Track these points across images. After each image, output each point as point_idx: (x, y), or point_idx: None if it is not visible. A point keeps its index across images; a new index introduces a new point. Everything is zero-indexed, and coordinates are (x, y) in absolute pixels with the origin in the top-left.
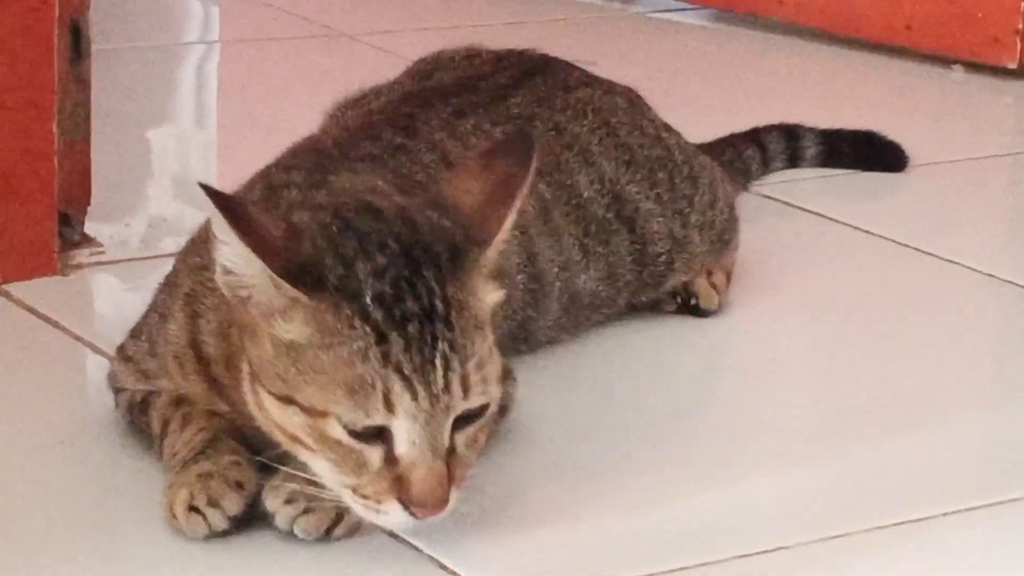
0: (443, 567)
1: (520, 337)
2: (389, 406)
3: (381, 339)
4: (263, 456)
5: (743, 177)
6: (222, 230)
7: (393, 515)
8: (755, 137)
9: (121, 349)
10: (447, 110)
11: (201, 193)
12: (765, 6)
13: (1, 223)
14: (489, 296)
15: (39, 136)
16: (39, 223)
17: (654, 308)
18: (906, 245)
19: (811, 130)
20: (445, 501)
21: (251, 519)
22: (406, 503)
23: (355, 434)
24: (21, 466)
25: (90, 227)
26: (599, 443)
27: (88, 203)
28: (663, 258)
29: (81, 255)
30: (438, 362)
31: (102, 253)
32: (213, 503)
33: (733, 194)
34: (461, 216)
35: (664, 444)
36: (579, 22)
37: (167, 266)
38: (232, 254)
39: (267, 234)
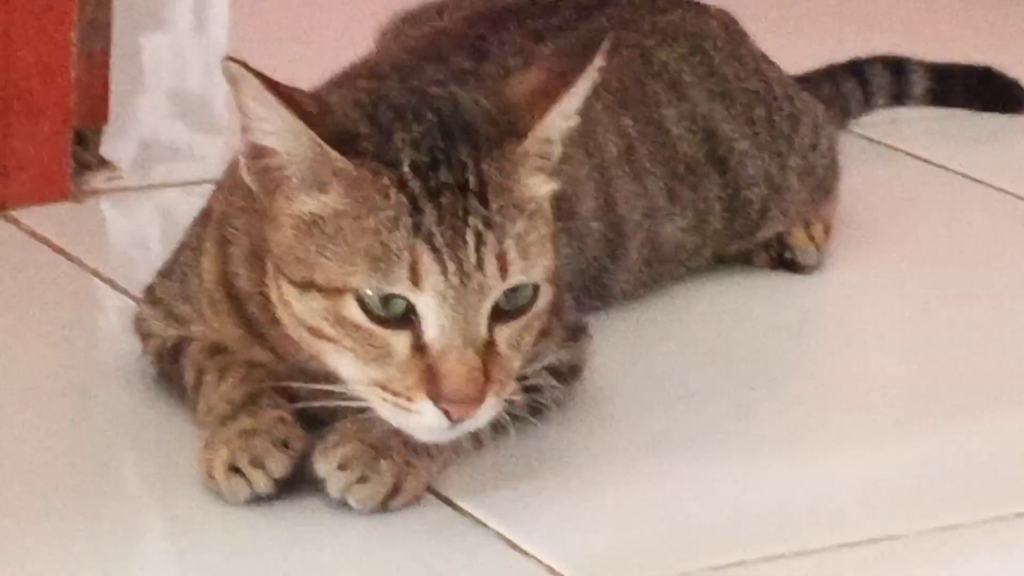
0: (511, 543)
1: (595, 292)
2: (416, 279)
3: (415, 209)
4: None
5: (841, 114)
6: (259, 101)
7: (426, 415)
8: (856, 69)
9: (150, 291)
10: (522, 33)
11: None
12: None
13: (10, 141)
14: (537, 187)
15: (56, 44)
16: (52, 142)
17: (744, 262)
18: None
19: (920, 64)
20: (479, 398)
21: (298, 483)
22: (437, 398)
23: (376, 318)
24: (33, 416)
25: (106, 150)
26: (679, 413)
27: (105, 122)
28: (757, 205)
29: (97, 180)
30: (469, 237)
31: (119, 178)
32: (256, 463)
33: (836, 137)
34: (508, 105)
35: (750, 415)
36: None
37: (191, 195)
38: (275, 129)
39: (306, 104)
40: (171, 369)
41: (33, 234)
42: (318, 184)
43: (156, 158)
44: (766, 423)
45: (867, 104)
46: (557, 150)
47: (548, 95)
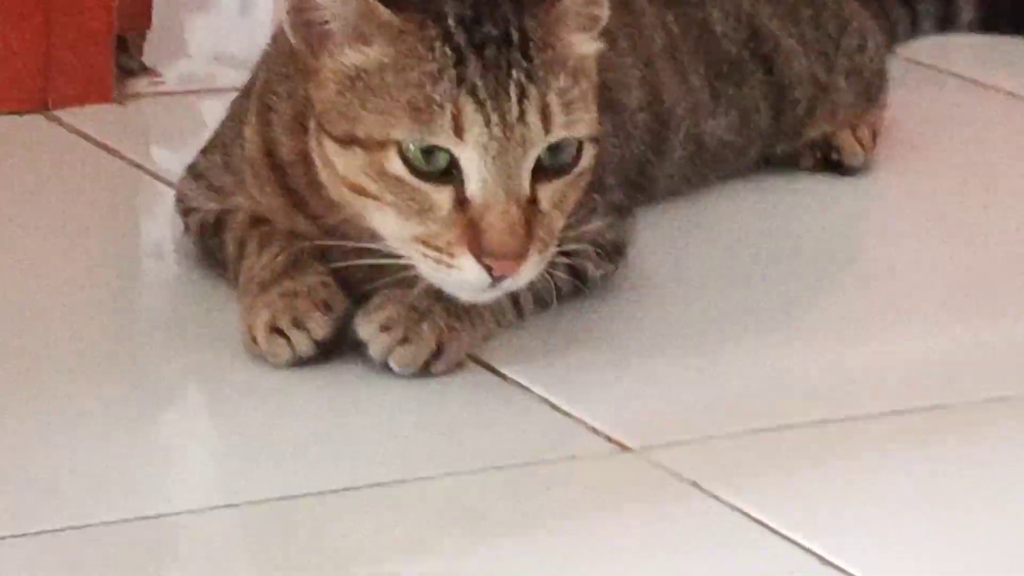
0: (553, 406)
1: (639, 184)
2: (458, 130)
3: (459, 61)
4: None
5: (888, 38)
6: None
7: (467, 271)
8: None
9: (192, 167)
10: None
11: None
12: None
13: (52, 40)
14: (580, 45)
15: None
16: (94, 43)
17: (790, 163)
18: None
19: None
20: (522, 254)
21: (339, 348)
22: (478, 253)
23: (417, 172)
24: (81, 292)
25: (149, 56)
26: (724, 296)
27: (148, 26)
28: (803, 105)
29: (139, 84)
30: (512, 90)
31: (162, 83)
32: (298, 324)
33: (883, 45)
34: None
35: (795, 300)
36: None
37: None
38: None
39: None
40: (213, 243)
41: (75, 131)
42: (361, 37)
43: (199, 64)
44: (811, 306)
45: (914, 29)
46: (604, 11)
47: None
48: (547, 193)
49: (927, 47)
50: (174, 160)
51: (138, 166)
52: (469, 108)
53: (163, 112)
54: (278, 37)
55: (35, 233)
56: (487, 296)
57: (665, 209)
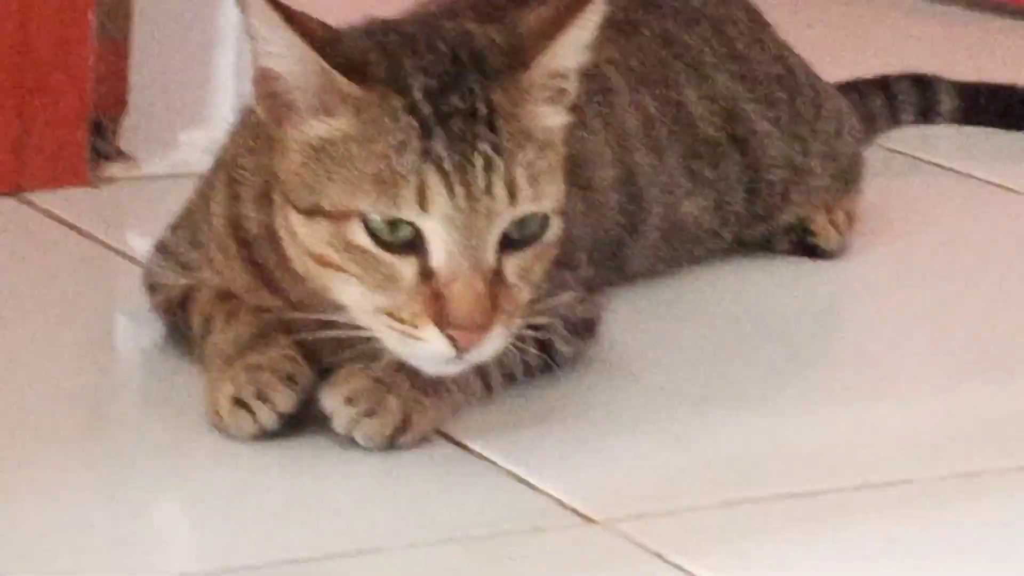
0: (520, 479)
1: (612, 264)
2: (423, 202)
3: (424, 132)
4: (321, 362)
5: (868, 128)
6: (271, 27)
7: (432, 343)
8: (883, 84)
9: (159, 243)
10: None
11: None
12: None
13: (27, 122)
14: (547, 117)
15: (74, 25)
16: (69, 126)
17: (765, 247)
18: None
19: (947, 82)
20: (486, 325)
21: (305, 422)
22: (443, 326)
23: (382, 243)
24: (53, 370)
25: (125, 142)
26: (694, 373)
27: (124, 110)
28: (778, 188)
29: (115, 168)
30: (478, 161)
31: (137, 168)
32: (262, 397)
33: (860, 131)
34: (518, 37)
35: (766, 375)
36: None
37: None
38: (281, 51)
39: (315, 29)
40: (180, 319)
41: (48, 214)
42: (325, 108)
43: (175, 149)
44: (781, 383)
45: (894, 120)
46: (572, 85)
47: (555, 26)
48: (512, 265)
49: (907, 137)
50: (148, 243)
51: (111, 248)
52: (434, 180)
53: (138, 196)
54: (245, 112)
55: (7, 313)
56: (452, 369)
57: (639, 289)
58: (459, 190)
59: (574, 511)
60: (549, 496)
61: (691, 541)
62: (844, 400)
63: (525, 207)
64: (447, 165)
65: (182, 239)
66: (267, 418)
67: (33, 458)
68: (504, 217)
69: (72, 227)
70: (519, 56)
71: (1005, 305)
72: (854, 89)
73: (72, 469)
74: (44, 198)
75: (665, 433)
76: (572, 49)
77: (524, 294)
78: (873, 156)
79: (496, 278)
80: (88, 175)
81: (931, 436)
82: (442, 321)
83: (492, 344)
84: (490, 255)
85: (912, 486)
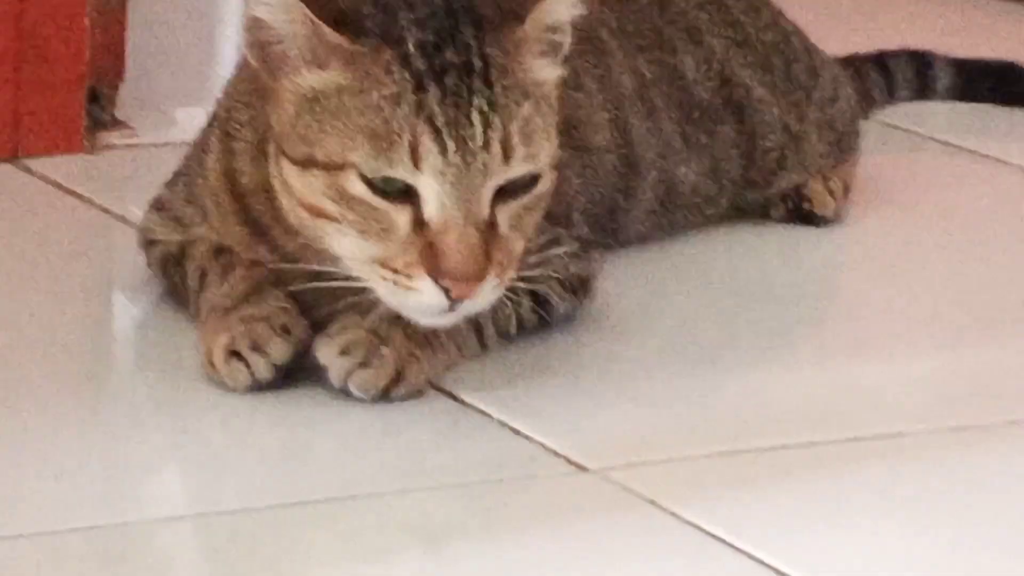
0: (513, 430)
1: (609, 228)
2: (415, 159)
3: (419, 87)
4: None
5: (864, 103)
6: None
7: (425, 293)
8: (880, 60)
9: (155, 200)
10: None
11: None
12: None
13: (24, 88)
14: (541, 71)
15: None
16: (66, 92)
17: (761, 212)
18: None
19: (944, 58)
20: (479, 276)
21: (300, 374)
22: (436, 276)
23: (378, 191)
24: (54, 327)
25: (122, 111)
26: (687, 332)
27: (121, 80)
28: (774, 154)
29: (111, 137)
30: (475, 118)
31: (134, 135)
32: (257, 348)
33: (856, 100)
34: None
35: (761, 332)
36: None
37: None
38: (269, 1)
39: None
40: (175, 274)
41: (45, 179)
42: (317, 59)
43: (172, 117)
44: (774, 339)
45: (890, 95)
46: (566, 39)
47: None
48: (505, 215)
49: (904, 112)
50: (142, 203)
51: (109, 212)
52: (426, 138)
53: (135, 163)
54: (240, 66)
55: (7, 275)
56: (446, 320)
57: (636, 252)
58: (452, 147)
59: (567, 459)
60: (542, 445)
61: (684, 489)
62: (835, 358)
63: (520, 167)
64: (440, 121)
65: (178, 195)
66: (262, 368)
67: (34, 410)
68: (498, 175)
69: (69, 192)
70: (514, 9)
71: (996, 270)
72: (851, 64)
73: (71, 421)
74: (41, 164)
75: (658, 387)
76: (566, 2)
77: (518, 245)
78: (871, 131)
79: (490, 229)
80: (85, 143)
81: (920, 392)
82: (436, 271)
83: (485, 295)
84: (485, 207)
85: (902, 439)
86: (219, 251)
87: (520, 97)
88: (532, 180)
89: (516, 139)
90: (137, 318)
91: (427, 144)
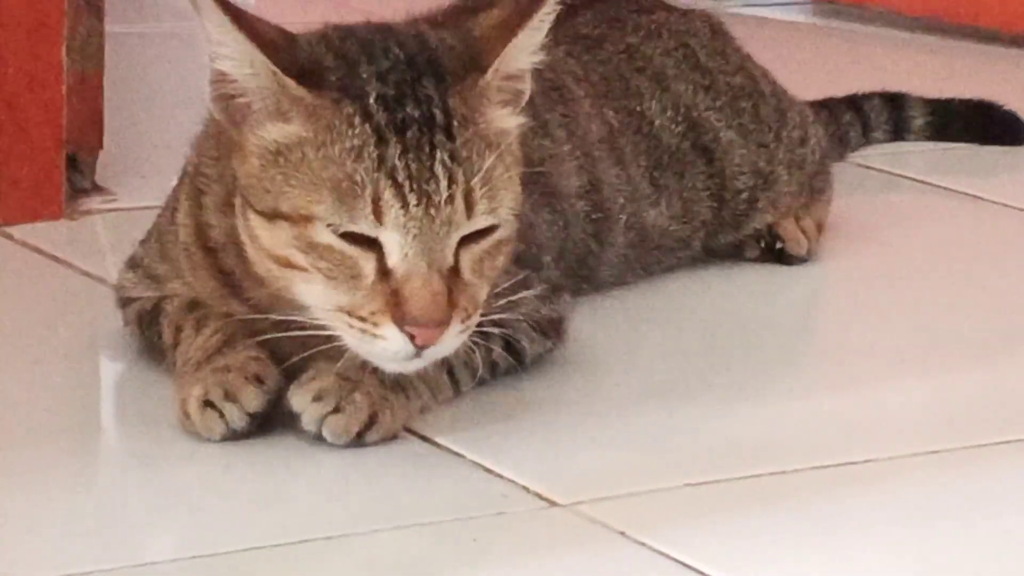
0: (486, 469)
1: (582, 273)
2: (378, 213)
3: (380, 141)
4: (289, 363)
5: (839, 145)
6: (222, 30)
7: (390, 340)
8: (854, 103)
9: (130, 258)
10: None
11: None
12: None
13: (3, 158)
14: (503, 120)
15: (46, 60)
16: (45, 159)
17: (735, 253)
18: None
19: (918, 99)
20: (443, 322)
21: (274, 422)
22: (401, 322)
23: (347, 235)
24: (38, 384)
25: (101, 177)
26: (662, 370)
27: (100, 146)
28: (745, 195)
29: (92, 202)
30: (438, 171)
31: (114, 201)
32: (230, 397)
33: (826, 140)
34: (472, 40)
35: (727, 371)
36: None
37: None
38: (232, 54)
39: (268, 34)
40: (151, 331)
41: (27, 245)
42: (280, 112)
43: (151, 182)
44: (742, 377)
45: (865, 137)
46: (526, 87)
47: (509, 28)
48: (468, 261)
49: (880, 153)
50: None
51: (89, 276)
52: (388, 193)
53: (115, 227)
54: (207, 122)
55: None
56: (412, 366)
57: (610, 295)
58: (414, 200)
59: (537, 495)
60: (513, 482)
61: (653, 520)
62: (806, 392)
63: (482, 218)
64: (401, 176)
65: (151, 252)
66: (237, 418)
67: (19, 464)
68: (461, 227)
69: (50, 257)
70: (475, 60)
71: (971, 304)
72: (825, 107)
73: (56, 473)
74: (23, 231)
75: (628, 424)
76: (526, 51)
77: (481, 290)
78: (846, 172)
79: (453, 276)
80: (65, 209)
81: (892, 423)
82: (400, 319)
83: (450, 341)
84: (448, 257)
85: (865, 466)
86: (192, 305)
87: (483, 148)
88: (493, 226)
89: (479, 192)
90: (117, 376)
91: (388, 198)
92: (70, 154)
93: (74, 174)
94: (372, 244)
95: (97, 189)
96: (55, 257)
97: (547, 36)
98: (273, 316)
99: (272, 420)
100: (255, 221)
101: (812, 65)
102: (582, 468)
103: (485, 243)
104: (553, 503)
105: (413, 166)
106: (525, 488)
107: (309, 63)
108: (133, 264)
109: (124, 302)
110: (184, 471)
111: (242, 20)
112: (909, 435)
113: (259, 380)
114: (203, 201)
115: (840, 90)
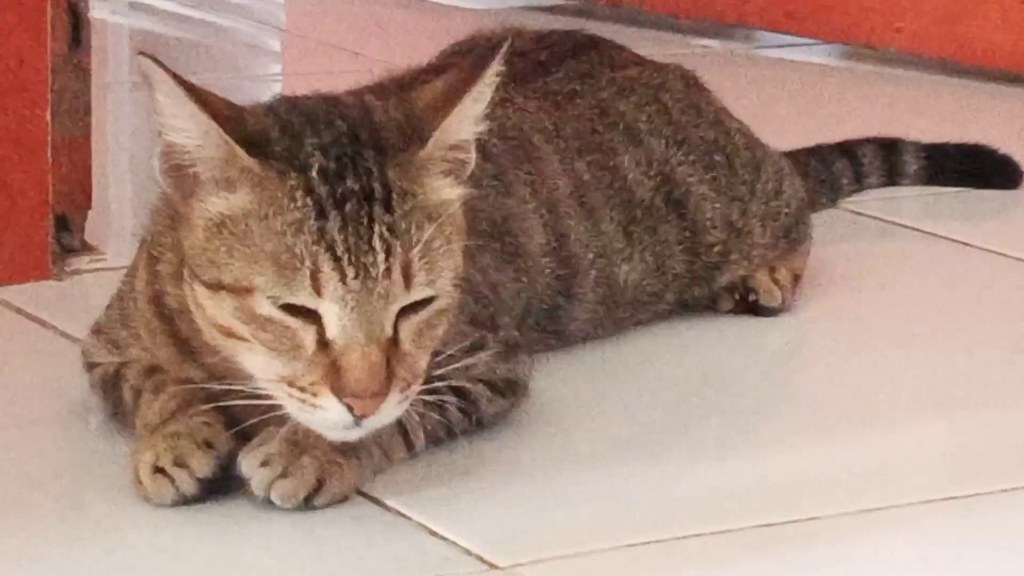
0: (431, 532)
1: (551, 328)
2: (316, 286)
3: (320, 214)
4: (242, 426)
5: (830, 192)
6: (170, 97)
7: (330, 410)
8: (846, 149)
9: (94, 324)
10: None
11: None
12: (881, 35)
13: None
14: (444, 191)
15: (30, 124)
16: (32, 221)
17: (709, 307)
18: (1020, 259)
19: (912, 144)
20: (381, 392)
21: (226, 486)
22: (340, 393)
23: (287, 307)
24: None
25: (90, 236)
26: (624, 426)
27: (88, 206)
28: (718, 248)
29: (80, 262)
30: (376, 244)
31: (103, 260)
32: (180, 463)
33: (803, 191)
34: (415, 112)
35: (693, 427)
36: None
37: None
38: (185, 125)
39: (218, 104)
40: (113, 395)
41: (12, 307)
42: (226, 182)
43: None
44: (703, 432)
45: (858, 183)
46: (470, 156)
47: (450, 99)
48: (407, 331)
49: (872, 199)
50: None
51: (71, 339)
52: (327, 266)
53: (103, 287)
54: (163, 193)
55: None
56: (353, 435)
57: (579, 350)
58: (352, 274)
59: (479, 558)
60: (455, 544)
61: None
62: (768, 446)
63: (421, 292)
64: (340, 250)
65: (113, 319)
66: (186, 484)
67: None
68: (399, 299)
69: (35, 320)
70: (416, 131)
71: (955, 352)
72: (816, 154)
73: (9, 542)
74: (10, 292)
75: (583, 483)
76: (468, 121)
77: (420, 360)
78: (838, 219)
79: (392, 346)
80: (52, 269)
81: (838, 478)
82: (339, 389)
83: (389, 411)
84: (386, 328)
85: (815, 523)
86: (151, 371)
87: (423, 220)
88: (432, 297)
89: (417, 264)
90: (88, 439)
91: (327, 272)
92: (59, 214)
93: (63, 233)
94: (312, 316)
95: (86, 248)
96: (40, 320)
97: (519, 94)
98: (224, 385)
99: (228, 482)
100: (200, 291)
101: (837, 105)
102: (528, 529)
103: (424, 313)
104: (493, 566)
105: (352, 240)
106: (467, 551)
107: (257, 134)
108: (96, 330)
109: (89, 366)
110: (136, 538)
111: (195, 92)
112: (887, 489)
113: (209, 445)
114: (159, 269)
115: (863, 131)
